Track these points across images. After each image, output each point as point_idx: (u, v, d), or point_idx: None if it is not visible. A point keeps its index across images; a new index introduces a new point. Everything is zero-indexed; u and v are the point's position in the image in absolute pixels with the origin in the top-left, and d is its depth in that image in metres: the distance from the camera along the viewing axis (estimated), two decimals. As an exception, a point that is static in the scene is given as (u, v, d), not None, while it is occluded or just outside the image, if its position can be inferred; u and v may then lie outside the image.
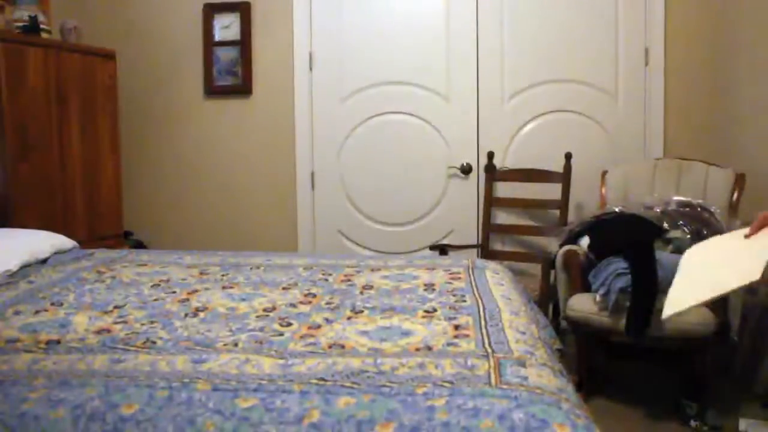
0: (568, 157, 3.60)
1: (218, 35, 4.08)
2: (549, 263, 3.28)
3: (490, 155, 3.81)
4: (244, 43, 4.03)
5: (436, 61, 3.90)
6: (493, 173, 3.81)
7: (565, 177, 3.60)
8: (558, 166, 3.63)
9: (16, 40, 3.21)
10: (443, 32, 3.89)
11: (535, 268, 3.54)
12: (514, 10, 3.83)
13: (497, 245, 3.88)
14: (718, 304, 2.79)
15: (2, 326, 1.75)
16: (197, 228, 4.17)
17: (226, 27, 4.06)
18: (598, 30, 3.77)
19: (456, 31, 3.88)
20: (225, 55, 4.07)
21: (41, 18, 3.43)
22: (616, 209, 3.24)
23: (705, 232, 2.94)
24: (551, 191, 3.64)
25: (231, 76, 4.08)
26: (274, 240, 4.04)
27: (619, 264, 2.85)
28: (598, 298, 2.86)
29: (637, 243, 2.93)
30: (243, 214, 4.13)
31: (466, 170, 3.91)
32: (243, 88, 4.06)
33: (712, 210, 3.06)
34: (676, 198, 3.19)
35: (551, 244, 3.37)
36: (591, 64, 3.79)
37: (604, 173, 3.61)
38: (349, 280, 2.25)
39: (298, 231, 4.08)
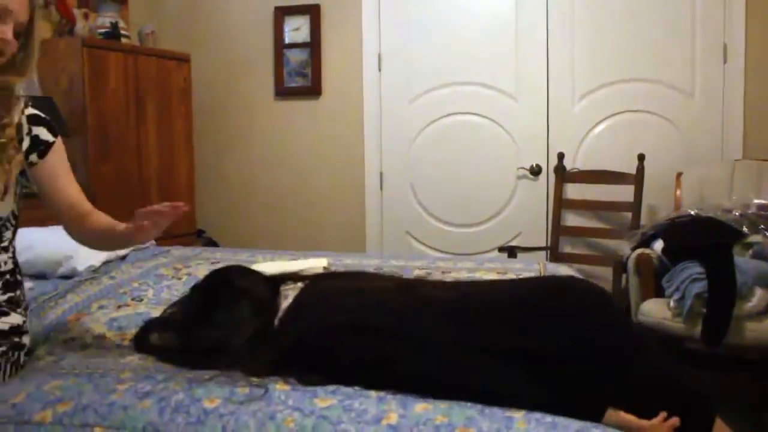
0: (641, 158, 3.52)
1: (288, 37, 4.15)
2: (620, 267, 3.21)
3: (560, 156, 3.75)
4: (313, 45, 4.09)
5: (505, 60, 3.86)
6: (562, 174, 3.75)
7: (637, 178, 3.51)
8: (630, 168, 3.54)
9: (98, 46, 3.35)
10: (512, 31, 3.85)
11: (606, 272, 3.47)
12: (585, 7, 3.75)
13: (567, 248, 3.81)
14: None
15: (89, 320, 1.83)
16: (266, 227, 4.24)
17: (297, 29, 4.13)
18: (673, 26, 3.66)
19: (525, 30, 3.83)
20: (295, 56, 4.14)
21: (121, 24, 3.56)
22: (692, 212, 3.14)
23: (787, 237, 2.84)
24: (623, 193, 3.56)
25: (301, 78, 4.14)
26: (342, 240, 4.08)
27: (694, 269, 2.76)
28: (672, 303, 2.79)
29: (714, 247, 2.83)
30: (312, 214, 4.19)
31: (535, 171, 3.87)
32: (313, 89, 4.12)
33: (795, 214, 2.95)
34: (756, 201, 3.08)
35: (623, 247, 3.30)
36: (665, 62, 3.68)
37: (679, 175, 3.50)
38: (419, 282, 2.25)
39: (366, 231, 4.11)
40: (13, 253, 1.62)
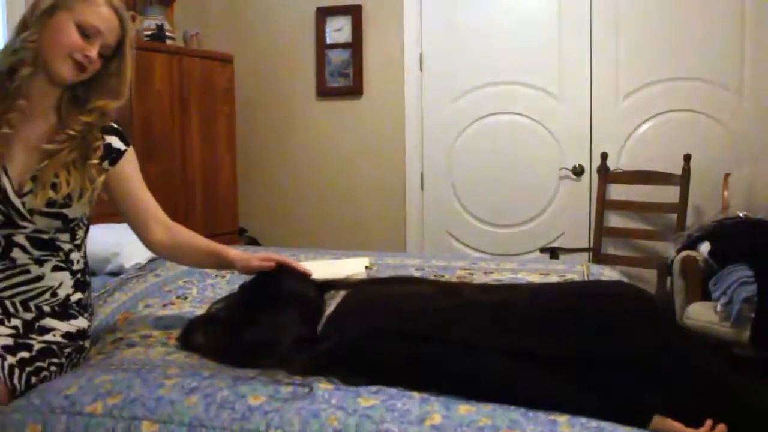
0: (687, 158, 3.45)
1: (330, 38, 4.17)
2: (665, 269, 3.16)
3: (604, 156, 3.70)
4: (355, 45, 4.10)
5: (547, 60, 3.82)
6: (606, 175, 3.70)
7: (683, 179, 3.45)
8: (676, 168, 3.48)
9: (144, 48, 3.41)
10: (555, 30, 3.80)
11: (650, 274, 3.41)
12: (629, 4, 3.69)
13: (610, 249, 3.76)
14: None
15: (136, 319, 1.87)
16: (308, 226, 4.28)
17: (338, 30, 4.15)
18: (721, 23, 3.58)
19: (568, 29, 3.78)
20: (337, 57, 4.16)
21: (167, 26, 3.62)
22: (741, 214, 3.07)
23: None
24: (668, 194, 3.50)
25: (342, 78, 4.16)
26: (382, 239, 4.08)
27: (743, 272, 2.70)
28: (719, 307, 2.73)
29: (764, 249, 2.77)
30: (352, 213, 4.20)
31: (578, 172, 3.82)
32: (354, 90, 4.13)
33: None
34: (808, 203, 3.00)
35: (668, 249, 3.25)
36: (713, 60, 3.60)
37: (727, 176, 3.42)
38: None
39: (407, 231, 4.11)
40: (84, 252, 1.69)
